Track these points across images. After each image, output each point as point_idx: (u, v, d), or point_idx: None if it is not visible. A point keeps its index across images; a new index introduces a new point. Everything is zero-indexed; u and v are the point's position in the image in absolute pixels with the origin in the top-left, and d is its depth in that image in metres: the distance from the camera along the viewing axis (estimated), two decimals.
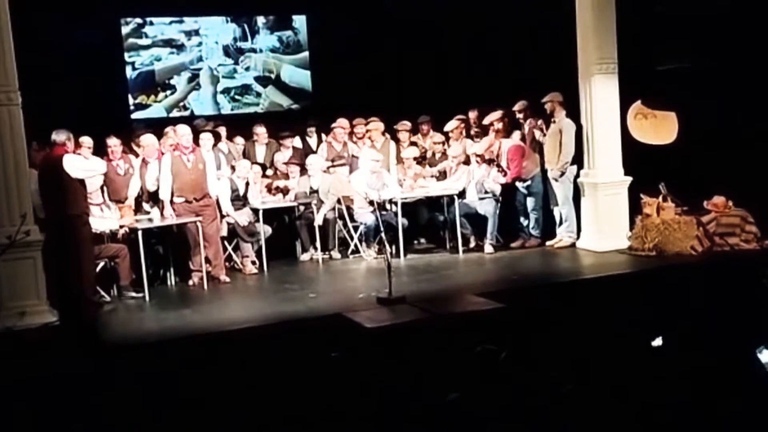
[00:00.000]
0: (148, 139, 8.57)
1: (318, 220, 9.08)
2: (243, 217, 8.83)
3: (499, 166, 9.12)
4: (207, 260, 8.34)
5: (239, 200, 8.92)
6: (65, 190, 7.08)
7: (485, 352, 3.92)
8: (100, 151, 8.36)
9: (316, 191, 9.26)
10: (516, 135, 9.31)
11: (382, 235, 8.40)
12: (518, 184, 9.11)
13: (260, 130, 9.96)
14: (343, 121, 9.92)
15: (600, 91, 8.61)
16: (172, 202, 8.23)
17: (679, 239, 8.21)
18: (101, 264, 7.75)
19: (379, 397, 3.89)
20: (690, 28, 8.61)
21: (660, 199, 8.38)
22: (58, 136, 7.17)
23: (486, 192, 9.12)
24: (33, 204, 7.04)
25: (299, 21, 12.47)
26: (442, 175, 9.69)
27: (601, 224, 8.68)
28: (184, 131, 8.38)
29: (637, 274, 7.72)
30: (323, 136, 10.11)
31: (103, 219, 7.96)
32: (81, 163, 7.28)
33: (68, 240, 7.08)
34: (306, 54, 12.46)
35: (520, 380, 3.59)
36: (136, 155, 8.79)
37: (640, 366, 3.61)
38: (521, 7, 9.73)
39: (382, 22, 11.73)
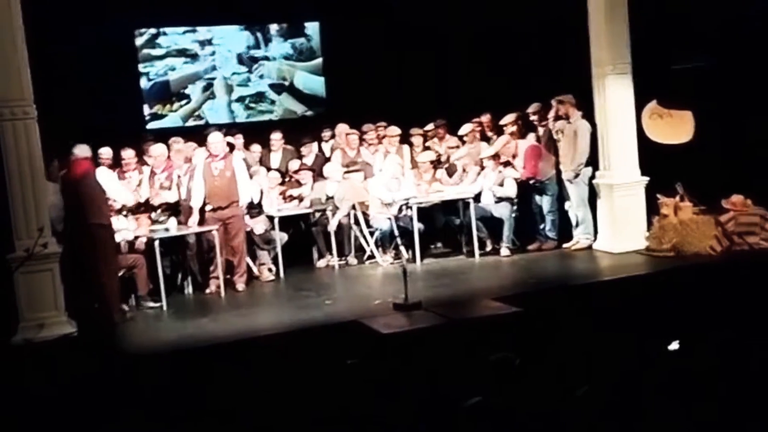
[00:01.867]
0: (157, 150, 8.60)
1: (332, 226, 9.08)
2: (259, 225, 8.84)
3: (515, 167, 9.09)
4: (230, 269, 8.35)
5: (255, 208, 8.93)
6: (92, 201, 7.21)
7: (501, 360, 3.90)
8: (117, 163, 8.45)
9: (332, 197, 9.27)
10: (530, 137, 9.27)
11: (398, 240, 8.37)
12: (534, 186, 9.07)
13: (275, 137, 9.99)
14: (344, 127, 9.95)
15: (614, 92, 8.55)
16: (203, 210, 8.23)
17: (697, 239, 8.12)
18: (119, 274, 7.79)
19: (396, 403, 3.88)
20: (704, 26, 8.55)
21: (677, 198, 8.31)
22: (81, 151, 7.32)
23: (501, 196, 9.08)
24: (50, 217, 7.09)
25: (312, 28, 12.49)
26: (459, 179, 9.66)
27: (617, 225, 8.60)
28: (214, 139, 8.36)
29: (655, 275, 7.65)
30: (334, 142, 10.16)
31: (119, 230, 8.00)
32: (111, 184, 7.56)
33: (94, 249, 7.16)
34: (319, 60, 12.48)
35: (536, 384, 3.57)
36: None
37: (656, 369, 3.58)
38: (533, 9, 9.69)
39: (395, 28, 11.72)
